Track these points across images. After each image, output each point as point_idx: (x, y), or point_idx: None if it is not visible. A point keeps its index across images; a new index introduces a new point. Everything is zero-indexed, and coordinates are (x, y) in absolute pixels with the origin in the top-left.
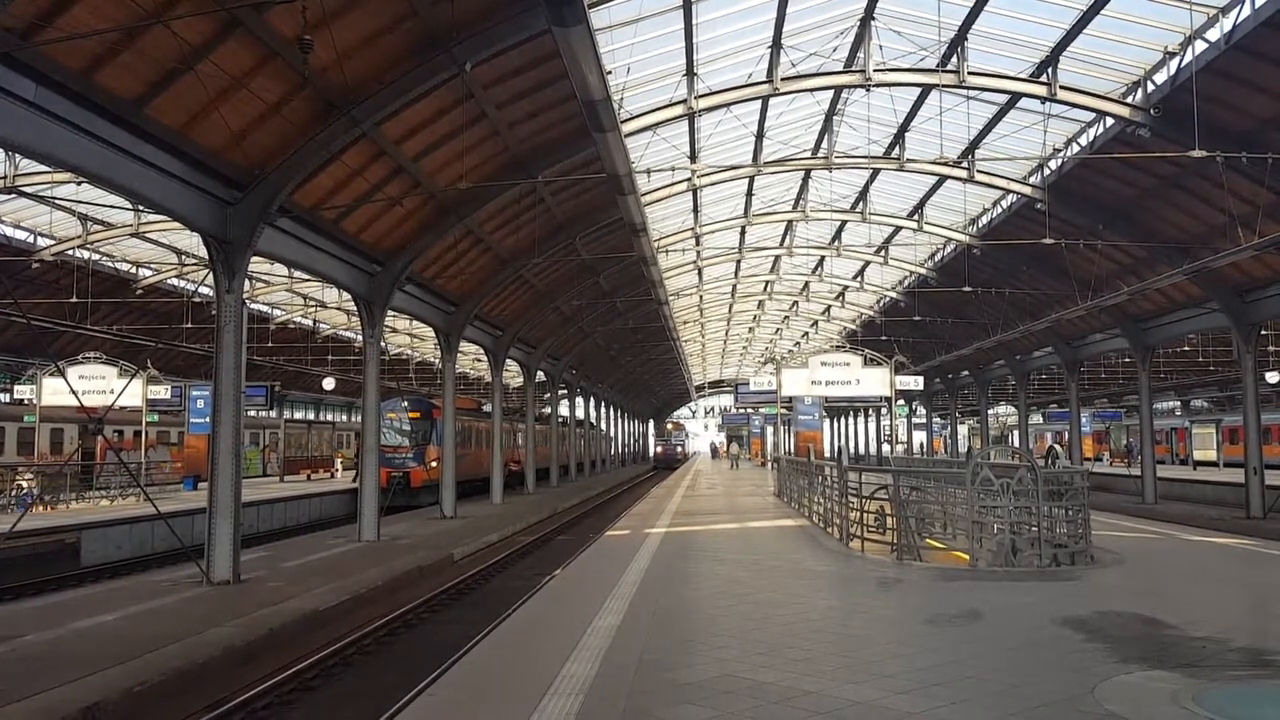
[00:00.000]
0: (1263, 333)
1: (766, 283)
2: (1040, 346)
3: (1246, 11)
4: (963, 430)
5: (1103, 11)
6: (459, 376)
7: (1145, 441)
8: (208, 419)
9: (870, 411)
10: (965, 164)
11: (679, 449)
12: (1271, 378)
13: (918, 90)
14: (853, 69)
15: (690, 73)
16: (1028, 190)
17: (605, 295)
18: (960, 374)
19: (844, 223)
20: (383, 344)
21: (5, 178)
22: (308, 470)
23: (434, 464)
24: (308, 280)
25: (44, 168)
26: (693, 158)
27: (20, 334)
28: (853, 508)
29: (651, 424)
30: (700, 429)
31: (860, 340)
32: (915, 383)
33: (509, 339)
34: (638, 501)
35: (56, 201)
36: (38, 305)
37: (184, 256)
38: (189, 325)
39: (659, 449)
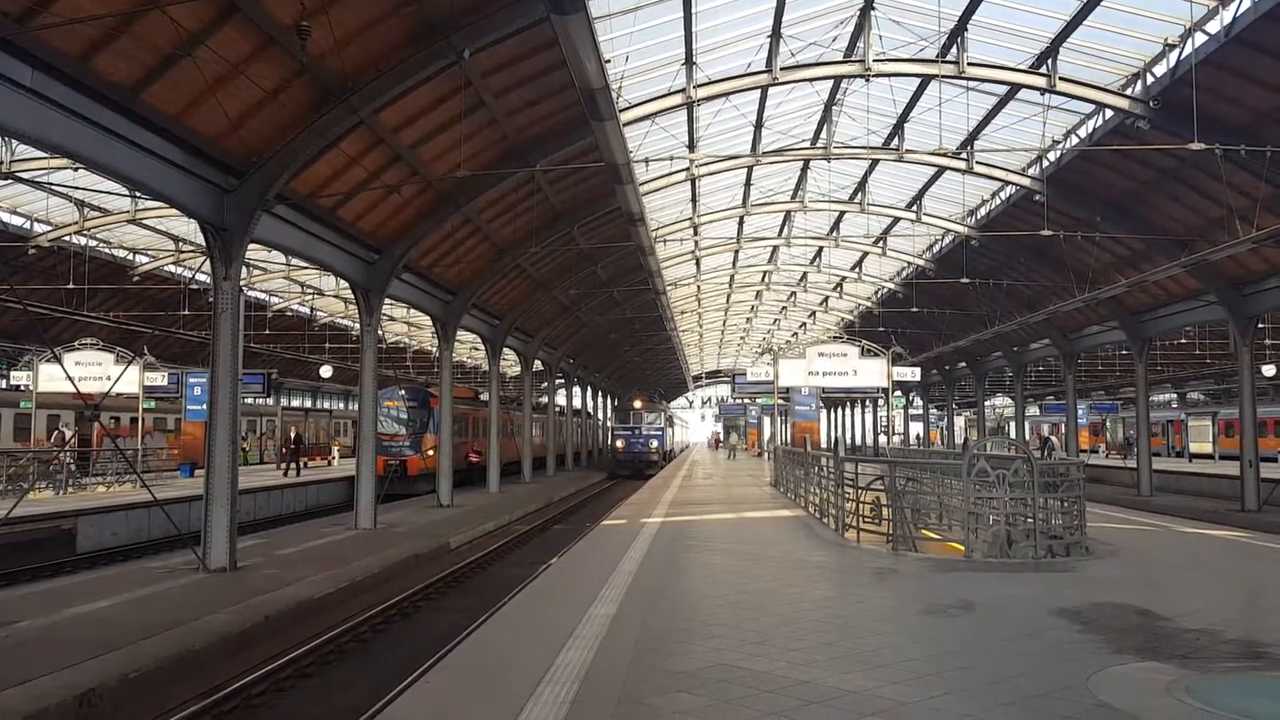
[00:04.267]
0: (1259, 326)
1: (764, 273)
2: (1038, 338)
3: (1246, 4)
4: (959, 422)
5: (1103, 3)
6: (456, 365)
7: (1141, 434)
8: (204, 406)
9: (867, 402)
10: (964, 155)
11: (654, 443)
12: (1268, 371)
13: (917, 81)
14: (852, 59)
15: (689, 62)
16: (1026, 182)
17: (603, 285)
18: (957, 365)
19: (842, 213)
20: (380, 332)
21: (2, 163)
22: (304, 458)
23: (431, 452)
24: (305, 268)
25: (41, 153)
26: (691, 147)
27: (16, 320)
28: (849, 498)
29: (608, 400)
30: (697, 419)
31: (857, 331)
32: (912, 374)
33: (506, 328)
34: (635, 491)
35: (53, 187)
36: (34, 291)
37: (181, 243)
38: (186, 312)
39: (618, 443)
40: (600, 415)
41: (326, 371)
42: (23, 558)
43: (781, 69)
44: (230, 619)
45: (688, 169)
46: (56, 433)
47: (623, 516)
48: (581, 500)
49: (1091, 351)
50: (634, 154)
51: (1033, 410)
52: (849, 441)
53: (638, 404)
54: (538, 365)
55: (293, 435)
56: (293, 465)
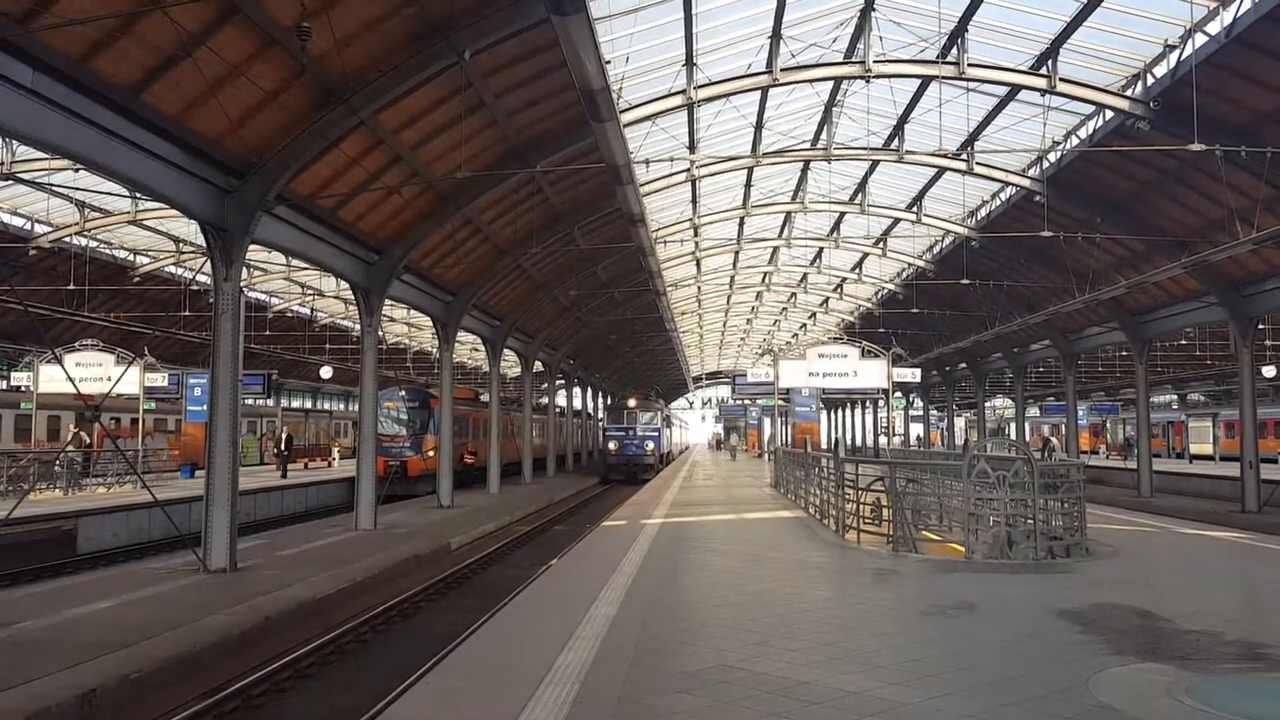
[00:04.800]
0: (1260, 327)
1: (765, 274)
2: (1038, 339)
3: (1246, 5)
4: (960, 423)
5: (1103, 4)
6: (456, 366)
7: (1141, 435)
8: (205, 407)
9: (867, 403)
10: (964, 156)
11: (649, 445)
12: (1268, 372)
13: (917, 81)
14: (852, 60)
15: (690, 63)
16: (1026, 183)
17: (603, 286)
18: (958, 366)
19: (842, 214)
20: (380, 333)
21: (2, 164)
22: (304, 459)
23: (431, 453)
24: (306, 269)
25: (41, 154)
26: (691, 148)
27: (17, 321)
28: (849, 499)
29: (600, 398)
30: (698, 420)
31: (858, 332)
32: (912, 375)
33: (507, 329)
34: (635, 492)
35: (54, 188)
36: (35, 292)
37: (181, 244)
38: (186, 313)
39: (610, 445)
40: (601, 416)
41: (327, 372)
42: (24, 558)
43: (782, 70)
44: (231, 620)
45: (688, 170)
46: (73, 434)
47: (623, 517)
48: (582, 501)
49: (1092, 352)
50: (634, 155)
51: (1033, 411)
52: (849, 442)
53: (632, 402)
54: (538, 366)
55: (283, 436)
56: (289, 466)
